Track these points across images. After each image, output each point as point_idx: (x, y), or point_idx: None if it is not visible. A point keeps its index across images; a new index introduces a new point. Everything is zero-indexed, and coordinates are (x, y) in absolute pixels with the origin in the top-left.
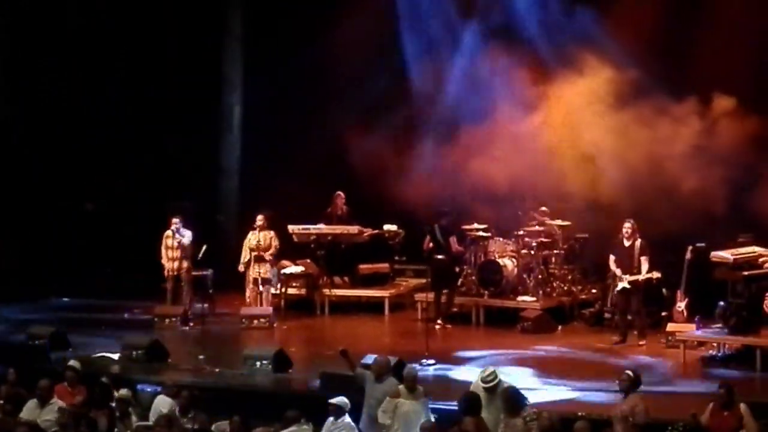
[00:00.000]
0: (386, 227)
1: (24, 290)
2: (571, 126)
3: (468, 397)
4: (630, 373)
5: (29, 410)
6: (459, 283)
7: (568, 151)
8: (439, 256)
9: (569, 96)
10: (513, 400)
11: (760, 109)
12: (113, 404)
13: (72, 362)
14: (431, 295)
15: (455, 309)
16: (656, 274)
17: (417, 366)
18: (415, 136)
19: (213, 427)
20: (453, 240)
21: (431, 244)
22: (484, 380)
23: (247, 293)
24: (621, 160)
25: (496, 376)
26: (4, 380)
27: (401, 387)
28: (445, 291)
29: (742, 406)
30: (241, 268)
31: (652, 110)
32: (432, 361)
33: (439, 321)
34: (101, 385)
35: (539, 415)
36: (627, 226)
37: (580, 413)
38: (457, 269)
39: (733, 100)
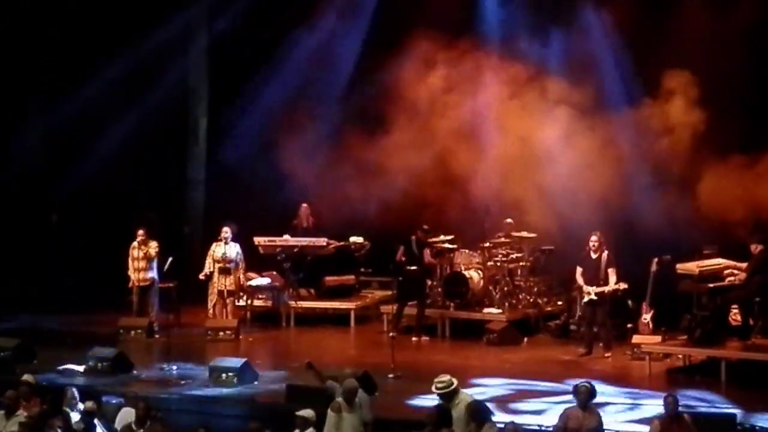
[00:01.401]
0: (352, 239)
1: None
2: (523, 131)
3: (440, 409)
4: (587, 384)
5: None
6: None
7: (521, 158)
8: (412, 267)
9: (520, 101)
10: (475, 414)
11: (720, 114)
12: (66, 409)
13: (26, 376)
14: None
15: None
16: (623, 285)
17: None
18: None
19: None
20: (427, 252)
21: (404, 257)
22: (436, 387)
23: (209, 305)
24: (582, 169)
25: (449, 385)
26: None
27: (340, 400)
28: (412, 303)
29: (686, 416)
30: (202, 277)
31: (610, 116)
32: (398, 374)
33: (393, 333)
34: (53, 393)
35: None
36: (594, 239)
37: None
38: (429, 281)
39: (694, 105)
